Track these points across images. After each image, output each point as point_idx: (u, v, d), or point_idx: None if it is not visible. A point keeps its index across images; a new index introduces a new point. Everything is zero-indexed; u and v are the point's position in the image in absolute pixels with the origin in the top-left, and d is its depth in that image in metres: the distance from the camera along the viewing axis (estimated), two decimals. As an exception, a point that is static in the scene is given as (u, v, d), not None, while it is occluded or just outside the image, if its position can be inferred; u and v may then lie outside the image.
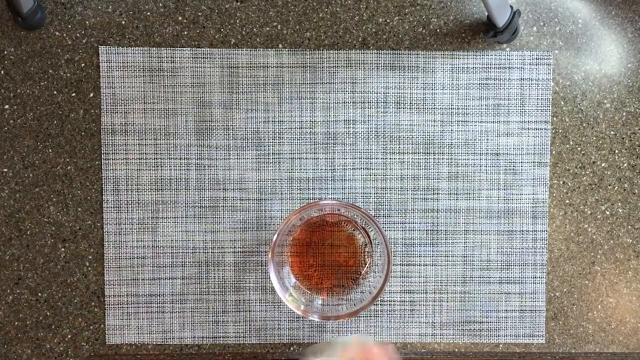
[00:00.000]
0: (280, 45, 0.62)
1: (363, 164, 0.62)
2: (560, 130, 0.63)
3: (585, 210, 0.63)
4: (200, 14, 0.61)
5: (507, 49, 0.62)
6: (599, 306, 0.63)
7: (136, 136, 0.62)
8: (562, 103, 0.63)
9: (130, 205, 0.62)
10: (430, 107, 0.62)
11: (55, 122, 0.61)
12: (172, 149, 0.62)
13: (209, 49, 0.61)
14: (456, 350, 0.63)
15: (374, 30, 0.62)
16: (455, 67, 0.62)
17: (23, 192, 0.61)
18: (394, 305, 0.63)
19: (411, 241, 0.63)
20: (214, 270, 0.62)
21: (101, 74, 0.61)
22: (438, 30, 0.62)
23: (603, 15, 0.63)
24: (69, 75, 0.61)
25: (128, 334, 0.62)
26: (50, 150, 0.61)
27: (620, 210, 0.63)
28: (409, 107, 0.62)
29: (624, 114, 0.63)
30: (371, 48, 0.62)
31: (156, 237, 0.62)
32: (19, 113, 0.61)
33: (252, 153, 0.62)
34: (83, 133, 0.62)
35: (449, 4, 0.62)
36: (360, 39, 0.62)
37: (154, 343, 0.62)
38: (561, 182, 0.63)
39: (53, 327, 0.62)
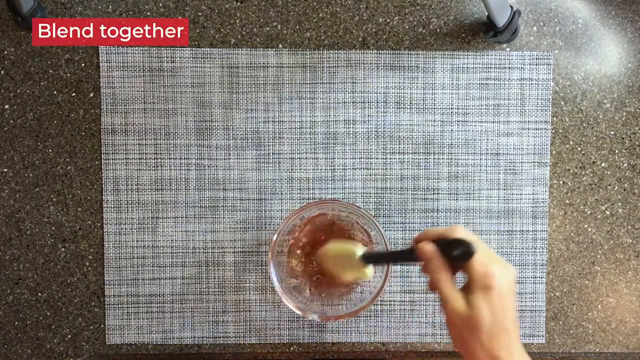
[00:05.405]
0: (280, 45, 0.62)
1: (363, 164, 0.62)
2: (560, 130, 0.63)
3: (585, 210, 0.63)
4: (200, 14, 0.61)
5: (507, 49, 0.62)
6: (599, 306, 0.63)
7: (136, 136, 0.62)
8: (562, 103, 0.63)
9: (130, 205, 0.62)
10: (430, 107, 0.62)
11: (55, 122, 0.61)
12: (172, 149, 0.62)
13: (209, 49, 0.61)
14: (456, 350, 0.63)
15: (374, 30, 0.62)
16: (455, 67, 0.62)
17: (23, 192, 0.61)
18: (394, 305, 0.63)
19: (411, 241, 0.62)
20: (214, 270, 0.62)
21: (101, 74, 0.61)
22: (438, 30, 0.62)
23: (603, 15, 0.63)
24: (69, 75, 0.61)
25: (128, 334, 0.62)
26: (50, 150, 0.61)
27: (620, 210, 0.63)
28: (409, 107, 0.62)
29: (624, 114, 0.63)
30: (371, 48, 0.62)
31: (156, 237, 0.62)
32: (19, 113, 0.61)
33: (252, 153, 0.62)
34: (83, 133, 0.62)
35: (449, 4, 0.62)
36: (360, 39, 0.62)
37: (154, 343, 0.62)
38: (561, 182, 0.63)
39: (53, 327, 0.62)
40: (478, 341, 0.41)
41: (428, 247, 0.44)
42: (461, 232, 0.44)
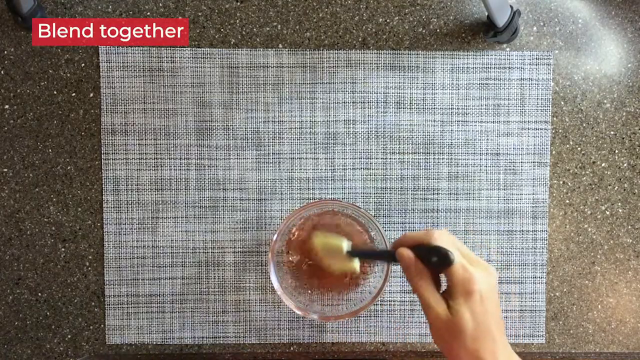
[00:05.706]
0: (280, 45, 0.62)
1: (363, 164, 0.62)
2: (560, 130, 0.63)
3: (585, 210, 0.63)
4: (200, 14, 0.61)
5: (507, 49, 0.62)
6: (599, 306, 0.63)
7: (136, 136, 0.62)
8: (562, 103, 0.63)
9: (130, 205, 0.62)
10: (430, 107, 0.62)
11: (55, 122, 0.61)
12: (172, 149, 0.62)
13: (209, 49, 0.61)
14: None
15: (374, 30, 0.62)
16: (455, 67, 0.62)
17: (23, 192, 0.61)
18: (394, 305, 0.63)
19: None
20: (214, 270, 0.62)
21: (101, 74, 0.61)
22: (438, 30, 0.62)
23: (603, 15, 0.63)
24: (69, 75, 0.61)
25: (128, 334, 0.62)
26: (50, 150, 0.61)
27: (620, 210, 0.63)
28: (409, 107, 0.62)
29: (624, 114, 0.63)
30: (371, 48, 0.62)
31: (156, 237, 0.62)
32: (19, 113, 0.61)
33: (252, 153, 0.62)
34: (83, 133, 0.62)
35: (449, 4, 0.62)
36: (360, 39, 0.62)
37: (154, 343, 0.62)
38: (561, 182, 0.63)
39: (53, 327, 0.62)
40: (462, 346, 0.42)
41: (406, 254, 0.44)
42: (439, 238, 0.44)
